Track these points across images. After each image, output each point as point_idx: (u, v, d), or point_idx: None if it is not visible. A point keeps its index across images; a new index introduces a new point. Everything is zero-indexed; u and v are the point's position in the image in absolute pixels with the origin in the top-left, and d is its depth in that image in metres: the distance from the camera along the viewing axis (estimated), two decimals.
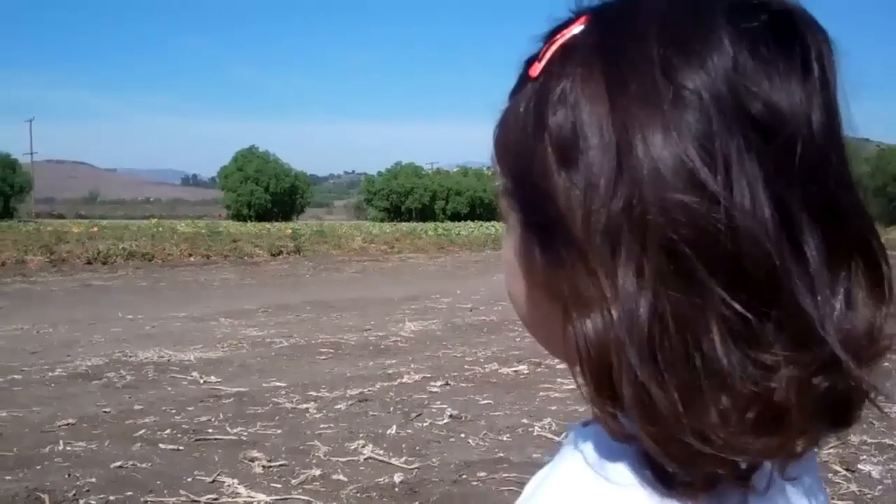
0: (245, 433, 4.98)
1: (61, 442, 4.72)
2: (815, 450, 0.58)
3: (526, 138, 0.59)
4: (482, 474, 4.18)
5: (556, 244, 0.55)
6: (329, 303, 12.37)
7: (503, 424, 5.18)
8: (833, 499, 3.85)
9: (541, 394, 6.04)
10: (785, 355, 0.50)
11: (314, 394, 6.04)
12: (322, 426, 5.14)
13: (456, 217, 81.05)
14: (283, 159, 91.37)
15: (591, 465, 0.55)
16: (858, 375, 0.52)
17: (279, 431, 5.03)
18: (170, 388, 6.22)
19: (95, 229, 31.07)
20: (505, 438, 4.88)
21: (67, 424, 5.16)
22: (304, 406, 5.67)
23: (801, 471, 0.56)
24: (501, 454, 4.55)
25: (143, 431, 4.99)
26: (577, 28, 0.59)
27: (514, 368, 6.96)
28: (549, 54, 0.60)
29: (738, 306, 0.49)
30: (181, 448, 4.61)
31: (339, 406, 5.66)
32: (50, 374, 6.73)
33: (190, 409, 5.56)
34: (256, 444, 4.72)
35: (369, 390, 6.16)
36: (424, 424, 5.19)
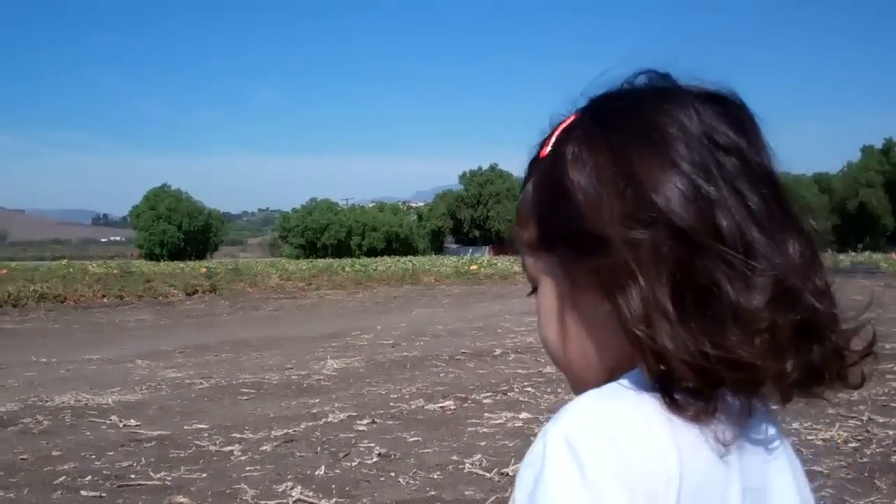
0: (169, 478, 4.86)
1: None
2: (779, 411, 0.80)
3: (553, 197, 0.79)
4: None
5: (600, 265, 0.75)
6: (248, 342, 12.20)
7: (433, 462, 5.15)
8: None
9: (469, 429, 6.03)
10: (768, 297, 0.70)
11: (238, 435, 5.93)
12: (248, 468, 5.04)
13: (372, 252, 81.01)
14: (196, 197, 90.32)
15: (606, 393, 0.74)
16: (814, 304, 0.72)
17: (204, 475, 4.92)
18: (88, 433, 6.04)
19: (4, 271, 30.16)
20: (436, 476, 4.85)
21: None
22: (229, 448, 5.56)
23: (772, 416, 0.80)
24: (433, 492, 4.52)
25: (63, 479, 4.83)
26: (571, 119, 0.81)
27: (440, 404, 6.94)
28: (553, 139, 0.81)
29: (738, 263, 0.70)
30: (103, 495, 4.47)
31: (264, 447, 5.56)
32: None
33: (110, 453, 5.41)
34: (181, 488, 4.60)
35: (294, 430, 6.07)
36: (353, 464, 5.13)
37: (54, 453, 5.47)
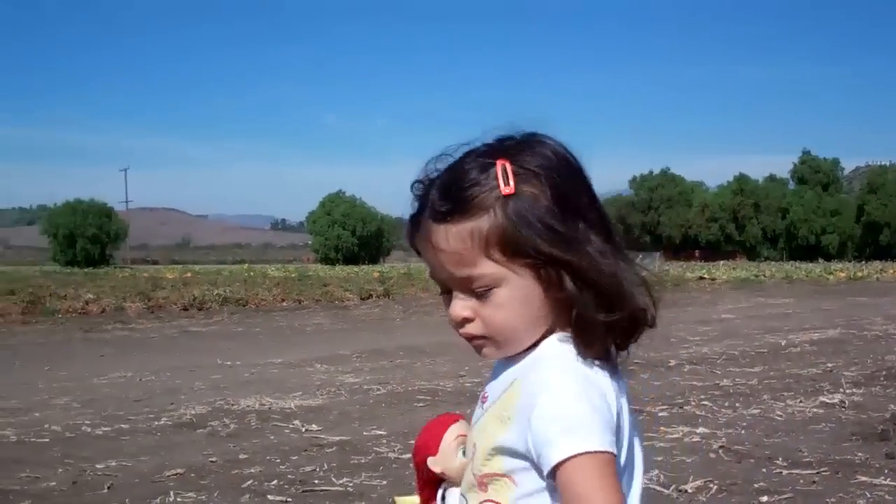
0: (351, 484, 4.99)
1: (171, 493, 4.80)
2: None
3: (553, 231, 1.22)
4: None
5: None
6: (421, 348, 12.41)
7: None
8: None
9: (645, 443, 5.93)
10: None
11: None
12: None
13: None
14: (369, 203, 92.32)
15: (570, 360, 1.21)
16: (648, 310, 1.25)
17: (384, 482, 5.03)
18: (273, 437, 6.28)
19: (189, 275, 31.79)
20: None
21: (176, 475, 5.24)
22: (407, 456, 5.67)
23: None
24: None
25: (250, 482, 5.04)
26: (505, 164, 1.20)
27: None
28: (509, 176, 1.19)
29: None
30: (289, 500, 4.64)
31: None
32: (155, 422, 6.87)
33: (294, 458, 5.60)
34: (364, 495, 4.73)
35: None
36: None
37: (241, 456, 5.71)
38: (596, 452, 1.13)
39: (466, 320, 1.24)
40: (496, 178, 1.19)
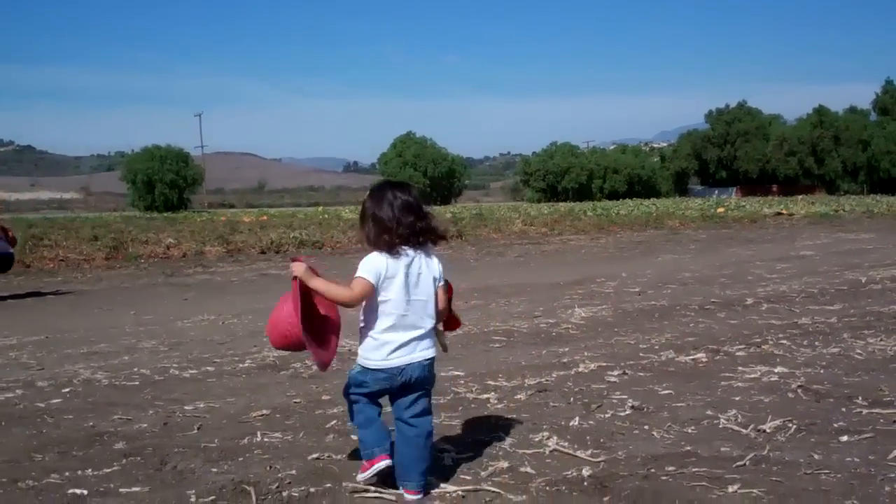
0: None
1: (258, 433, 4.95)
2: (431, 250, 3.95)
3: (365, 211, 3.98)
4: (671, 468, 4.15)
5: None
6: (495, 288, 12.49)
7: (687, 416, 5.12)
8: None
9: (722, 383, 5.93)
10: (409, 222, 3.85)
11: (492, 383, 6.13)
12: (505, 417, 5.21)
13: (613, 196, 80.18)
14: (440, 143, 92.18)
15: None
16: (427, 223, 3.90)
17: (463, 422, 5.13)
18: None
19: (265, 218, 32.23)
20: (690, 431, 4.83)
21: (262, 415, 5.41)
22: (485, 396, 5.76)
23: (427, 251, 3.92)
24: (688, 447, 4.50)
25: (333, 422, 5.18)
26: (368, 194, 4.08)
27: (691, 356, 6.87)
28: (366, 199, 4.04)
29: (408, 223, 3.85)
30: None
31: (518, 396, 5.72)
32: (240, 365, 7.07)
33: None
34: (443, 435, 4.82)
35: (546, 380, 6.20)
36: (606, 416, 5.19)
37: (324, 397, 5.86)
38: (360, 277, 3.79)
39: None
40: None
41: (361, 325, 3.92)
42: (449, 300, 4.13)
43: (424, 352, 3.90)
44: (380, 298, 3.80)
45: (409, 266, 3.82)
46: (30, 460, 4.55)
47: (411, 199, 3.85)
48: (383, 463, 3.92)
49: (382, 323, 3.82)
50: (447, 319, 4.20)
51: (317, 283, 3.86)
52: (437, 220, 3.96)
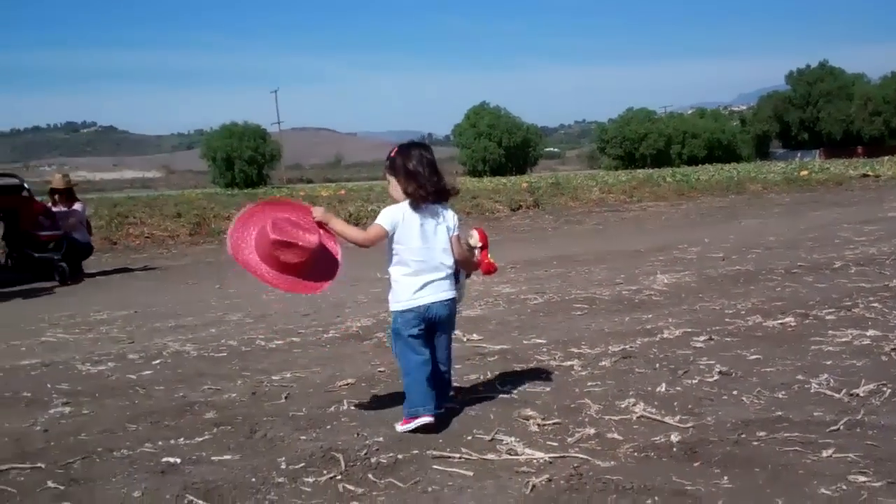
0: (515, 391, 5.09)
1: (345, 402, 5.00)
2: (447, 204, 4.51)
3: (396, 165, 4.44)
4: (762, 434, 4.07)
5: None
6: (575, 257, 12.42)
7: (777, 381, 5.02)
8: None
9: (812, 347, 5.80)
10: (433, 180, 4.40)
11: (576, 350, 6.09)
12: (589, 384, 5.17)
13: (693, 161, 78.69)
14: (514, 113, 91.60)
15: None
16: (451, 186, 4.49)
17: (547, 389, 5.11)
18: None
19: (343, 192, 32.48)
20: (780, 395, 4.73)
21: (347, 384, 5.45)
22: (569, 363, 5.73)
23: (443, 206, 4.48)
24: (779, 412, 4.41)
25: None
26: (395, 150, 4.51)
27: (779, 321, 6.73)
28: (393, 153, 4.47)
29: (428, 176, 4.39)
30: (457, 406, 4.76)
31: (603, 363, 5.67)
32: (324, 335, 7.15)
33: (458, 367, 5.70)
34: (528, 402, 4.81)
35: (631, 346, 6.14)
36: (693, 381, 5.12)
37: None
38: (376, 224, 4.39)
39: None
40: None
41: (388, 276, 4.50)
42: (485, 245, 4.76)
43: (445, 293, 4.43)
44: (400, 247, 4.39)
45: (426, 217, 4.41)
46: (124, 430, 4.66)
47: (434, 159, 4.46)
48: (426, 419, 4.32)
49: (405, 269, 4.39)
50: (484, 263, 4.79)
51: (336, 223, 4.56)
52: (449, 178, 4.55)
